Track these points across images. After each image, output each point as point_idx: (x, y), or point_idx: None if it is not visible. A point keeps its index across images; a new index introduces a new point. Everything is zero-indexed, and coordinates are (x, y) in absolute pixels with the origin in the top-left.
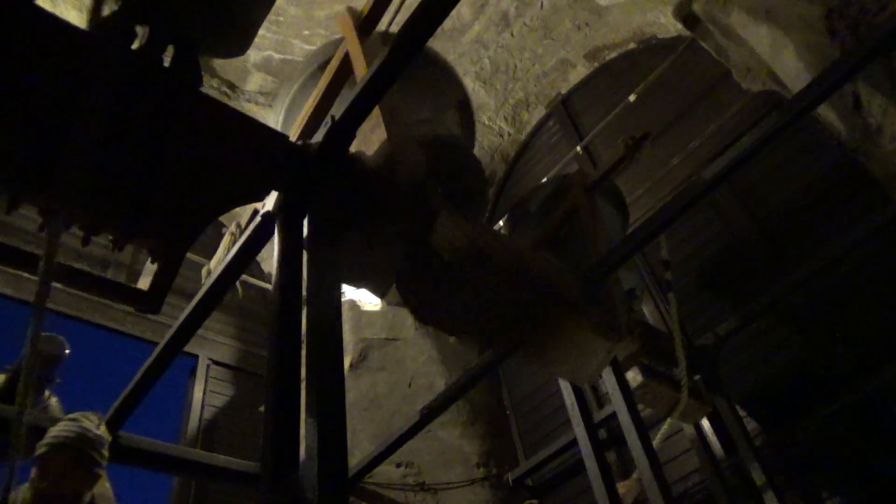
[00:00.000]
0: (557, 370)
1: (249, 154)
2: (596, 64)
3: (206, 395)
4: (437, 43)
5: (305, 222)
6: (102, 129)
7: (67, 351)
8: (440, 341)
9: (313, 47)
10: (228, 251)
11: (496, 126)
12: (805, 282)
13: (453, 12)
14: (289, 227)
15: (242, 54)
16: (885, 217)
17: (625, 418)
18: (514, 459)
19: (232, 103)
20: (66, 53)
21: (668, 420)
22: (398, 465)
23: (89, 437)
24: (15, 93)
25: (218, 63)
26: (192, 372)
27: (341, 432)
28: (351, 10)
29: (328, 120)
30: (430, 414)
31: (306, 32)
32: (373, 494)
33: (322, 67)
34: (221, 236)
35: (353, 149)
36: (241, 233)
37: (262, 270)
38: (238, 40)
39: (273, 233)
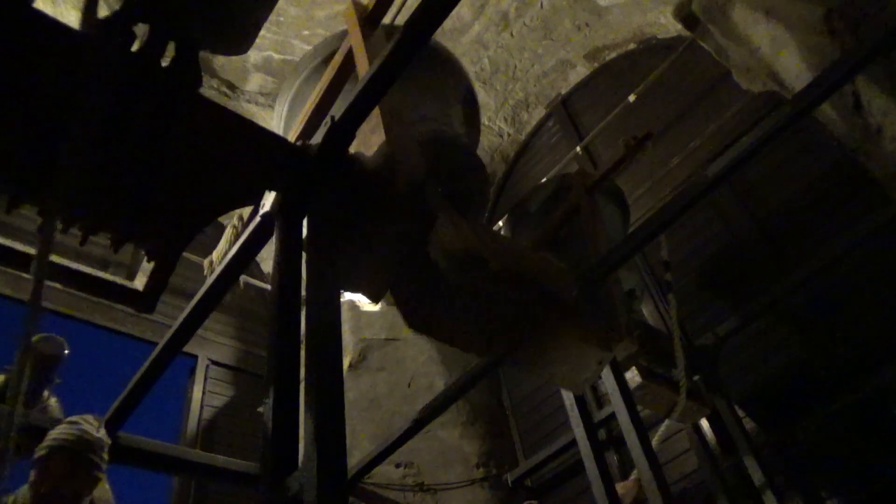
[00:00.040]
0: (551, 376)
1: (249, 155)
2: (596, 64)
3: (205, 395)
4: None
5: (305, 223)
6: (102, 129)
7: (67, 351)
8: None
9: None
10: (231, 244)
11: (496, 126)
12: (805, 282)
13: (453, 12)
14: (288, 228)
15: (244, 53)
16: (886, 217)
17: (624, 419)
18: (514, 460)
19: (232, 103)
20: (65, 54)
21: (667, 420)
22: (398, 466)
23: (89, 439)
24: (15, 94)
25: (218, 63)
26: (192, 372)
27: (340, 432)
28: (356, 4)
29: (328, 120)
30: (429, 414)
31: (306, 32)
32: (372, 494)
33: (326, 61)
34: (221, 236)
35: (352, 149)
36: (241, 232)
37: (262, 270)
38: (239, 40)
39: (273, 233)
